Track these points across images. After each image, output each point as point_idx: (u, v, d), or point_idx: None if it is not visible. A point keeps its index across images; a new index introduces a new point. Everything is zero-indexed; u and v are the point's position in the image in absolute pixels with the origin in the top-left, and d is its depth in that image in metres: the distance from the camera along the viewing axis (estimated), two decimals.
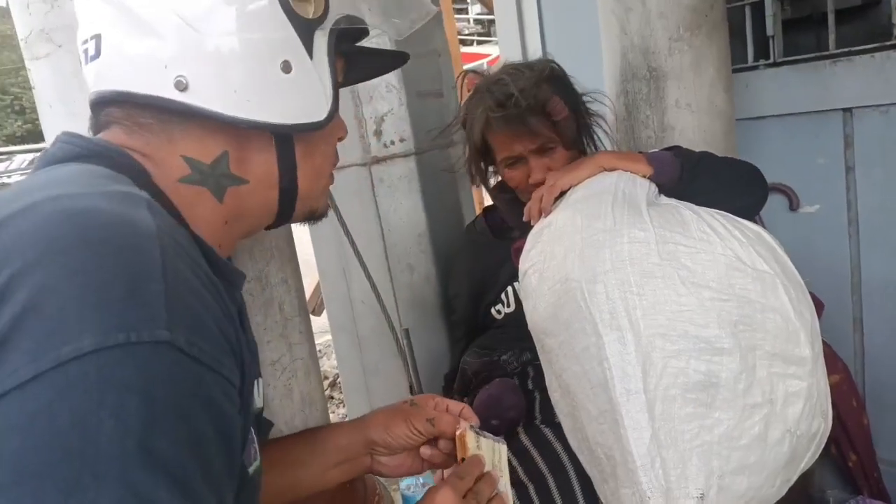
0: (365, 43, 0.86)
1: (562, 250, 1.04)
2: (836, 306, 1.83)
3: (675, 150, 1.26)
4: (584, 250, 1.00)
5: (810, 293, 1.69)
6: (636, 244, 0.99)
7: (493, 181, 1.53)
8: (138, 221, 0.54)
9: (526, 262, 1.12)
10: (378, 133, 1.59)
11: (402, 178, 1.62)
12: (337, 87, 0.72)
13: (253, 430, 0.71)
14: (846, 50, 1.76)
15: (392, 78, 1.56)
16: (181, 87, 0.64)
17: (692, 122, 1.58)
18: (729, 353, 0.94)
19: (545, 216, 1.15)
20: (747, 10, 1.93)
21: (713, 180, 1.18)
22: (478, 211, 1.76)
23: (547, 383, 1.10)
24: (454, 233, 1.70)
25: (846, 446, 1.77)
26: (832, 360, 1.71)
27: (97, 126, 0.70)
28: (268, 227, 0.79)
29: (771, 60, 1.90)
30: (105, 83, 0.67)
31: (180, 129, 0.66)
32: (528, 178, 1.32)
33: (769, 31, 1.89)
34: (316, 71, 0.70)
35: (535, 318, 1.08)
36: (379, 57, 0.90)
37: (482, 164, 1.41)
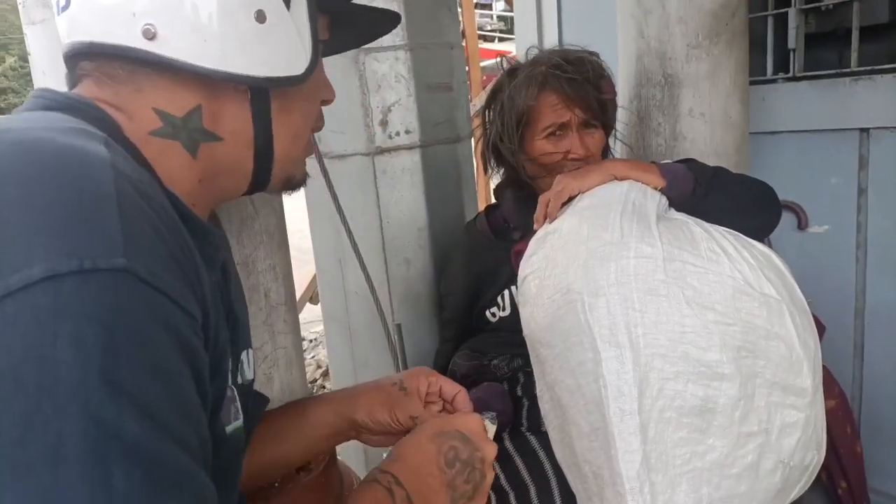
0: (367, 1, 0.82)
1: (565, 259, 1.01)
2: (837, 330, 1.80)
3: (689, 163, 1.23)
4: (589, 262, 0.98)
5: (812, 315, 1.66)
6: (642, 260, 0.95)
7: (495, 180, 1.51)
8: (91, 151, 0.52)
9: (526, 268, 1.09)
10: (384, 123, 1.56)
11: (406, 171, 1.59)
12: (318, 42, 0.68)
13: (235, 391, 0.69)
14: (868, 68, 1.72)
15: (402, 68, 1.53)
16: (149, 35, 0.61)
17: (705, 133, 1.55)
18: (729, 378, 0.91)
19: (550, 221, 1.12)
20: (770, 21, 1.89)
21: (726, 198, 1.14)
22: (482, 209, 1.73)
23: (538, 393, 1.08)
24: (454, 230, 1.67)
25: (837, 473, 1.74)
26: (829, 385, 1.68)
27: (72, 81, 0.68)
28: (246, 193, 0.75)
29: (790, 74, 1.87)
30: (75, 34, 0.64)
31: (150, 81, 0.64)
32: (566, 153, 1.29)
33: (791, 45, 1.85)
34: (294, 22, 0.66)
35: (532, 326, 1.05)
36: (368, 16, 0.84)
37: (512, 141, 1.33)
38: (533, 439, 1.26)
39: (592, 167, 1.16)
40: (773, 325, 0.96)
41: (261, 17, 0.64)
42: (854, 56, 1.75)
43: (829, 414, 1.53)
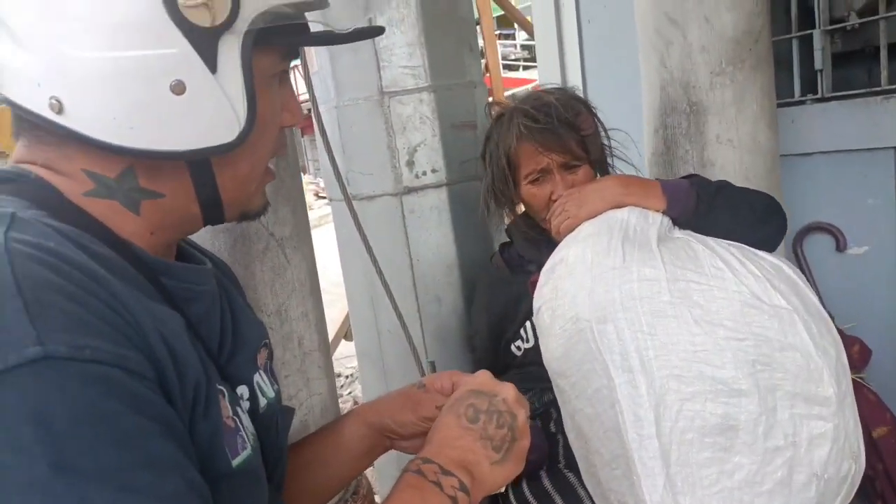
0: None
1: (572, 288, 1.02)
2: (885, 352, 1.74)
3: (693, 178, 1.25)
4: (594, 288, 0.99)
5: (856, 338, 1.61)
6: (646, 282, 0.96)
7: (507, 221, 1.52)
8: None
9: (539, 299, 1.10)
10: (410, 164, 1.58)
11: (433, 209, 1.60)
12: (254, 102, 0.62)
13: (239, 421, 0.67)
14: None
15: (426, 109, 1.56)
16: (55, 109, 0.57)
17: (733, 158, 1.53)
18: (747, 394, 0.90)
19: (558, 238, 1.15)
20: (794, 44, 1.87)
21: (730, 213, 1.15)
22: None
23: (564, 424, 1.08)
24: (483, 265, 1.67)
25: (893, 501, 1.67)
26: (880, 411, 1.62)
27: (15, 131, 0.65)
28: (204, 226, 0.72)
29: (819, 95, 1.84)
30: (2, 88, 0.61)
31: (76, 145, 0.60)
32: (550, 196, 1.31)
33: (818, 65, 1.83)
34: (220, 86, 0.59)
35: (549, 357, 1.06)
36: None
37: (506, 186, 1.37)
38: (570, 475, 1.24)
39: (594, 193, 1.18)
40: (786, 336, 0.94)
41: (178, 87, 0.58)
42: (884, 74, 1.73)
43: (882, 441, 1.47)
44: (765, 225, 1.18)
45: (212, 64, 0.59)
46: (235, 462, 0.64)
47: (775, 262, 1.05)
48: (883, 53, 1.72)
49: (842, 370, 0.99)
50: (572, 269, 1.05)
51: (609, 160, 1.43)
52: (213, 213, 0.68)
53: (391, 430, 0.89)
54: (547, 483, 1.26)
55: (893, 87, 1.70)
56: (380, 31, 0.73)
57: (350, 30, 0.66)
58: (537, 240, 1.39)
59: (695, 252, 1.02)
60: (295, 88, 0.75)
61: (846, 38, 1.84)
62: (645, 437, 0.89)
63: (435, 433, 0.73)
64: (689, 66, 1.51)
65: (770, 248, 1.14)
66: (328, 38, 0.68)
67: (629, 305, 0.95)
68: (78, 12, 0.56)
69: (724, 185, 1.22)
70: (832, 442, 0.93)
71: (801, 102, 1.87)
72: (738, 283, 0.97)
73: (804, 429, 0.92)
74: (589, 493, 1.14)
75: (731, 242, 1.07)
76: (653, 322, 0.93)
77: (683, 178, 1.26)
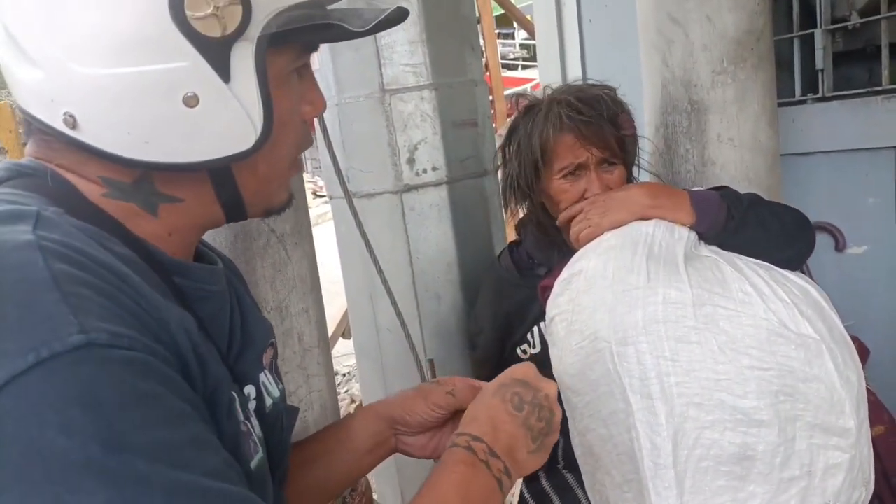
0: None
1: (591, 303, 0.99)
2: (883, 353, 1.74)
3: (724, 191, 1.19)
4: (616, 307, 0.95)
5: (854, 337, 1.61)
6: (671, 305, 0.93)
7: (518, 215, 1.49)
8: (12, 240, 0.51)
9: (553, 309, 1.07)
10: (411, 161, 1.58)
11: (433, 207, 1.60)
12: (269, 102, 0.60)
13: (251, 425, 0.68)
14: None
15: (427, 107, 1.56)
16: (70, 124, 0.57)
17: (734, 158, 1.53)
18: (767, 425, 0.88)
19: (577, 247, 1.11)
20: (796, 43, 1.87)
21: (761, 231, 1.10)
22: (511, 238, 1.73)
23: (571, 437, 1.05)
24: (484, 263, 1.67)
25: (890, 502, 1.67)
26: (878, 411, 1.62)
27: (27, 130, 0.65)
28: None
29: (820, 94, 1.84)
30: (15, 96, 0.61)
31: (90, 154, 0.60)
32: (582, 193, 1.24)
33: (819, 65, 1.83)
34: (235, 95, 0.59)
35: (561, 370, 1.03)
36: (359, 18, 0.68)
37: (533, 179, 1.30)
38: (570, 477, 1.24)
39: (618, 202, 1.13)
40: (811, 367, 0.92)
41: (191, 101, 0.57)
42: (885, 73, 1.73)
43: (879, 440, 1.47)
44: (795, 243, 1.14)
45: (225, 73, 0.58)
46: (252, 464, 0.65)
47: (802, 285, 1.02)
48: (884, 53, 1.72)
49: (862, 397, 0.97)
50: (591, 282, 1.01)
51: (634, 169, 1.38)
52: (235, 212, 0.68)
53: (400, 420, 0.88)
54: (545, 483, 1.26)
55: (894, 86, 1.70)
56: (401, 17, 0.66)
57: (369, 26, 0.63)
58: (550, 241, 1.34)
59: (723, 274, 0.98)
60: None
61: (847, 37, 1.84)
62: (661, 467, 0.87)
63: (481, 411, 0.75)
64: (691, 64, 1.51)
65: (796, 266, 1.11)
66: (347, 34, 0.65)
67: (652, 329, 0.91)
68: (84, 30, 0.55)
69: (755, 201, 1.17)
70: (847, 472, 0.92)
71: (802, 102, 1.87)
72: (767, 311, 0.93)
73: (821, 458, 0.91)
74: (586, 496, 1.14)
75: (759, 263, 1.03)
76: (676, 348, 0.90)
77: (712, 189, 1.21)
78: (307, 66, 0.69)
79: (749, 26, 1.48)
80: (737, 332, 0.91)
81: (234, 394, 0.65)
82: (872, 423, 1.48)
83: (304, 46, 0.66)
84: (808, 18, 1.87)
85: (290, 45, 0.63)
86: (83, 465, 0.44)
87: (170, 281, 0.63)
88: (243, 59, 0.58)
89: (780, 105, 1.58)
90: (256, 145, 0.61)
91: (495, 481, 0.68)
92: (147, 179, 0.62)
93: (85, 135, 0.58)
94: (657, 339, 0.91)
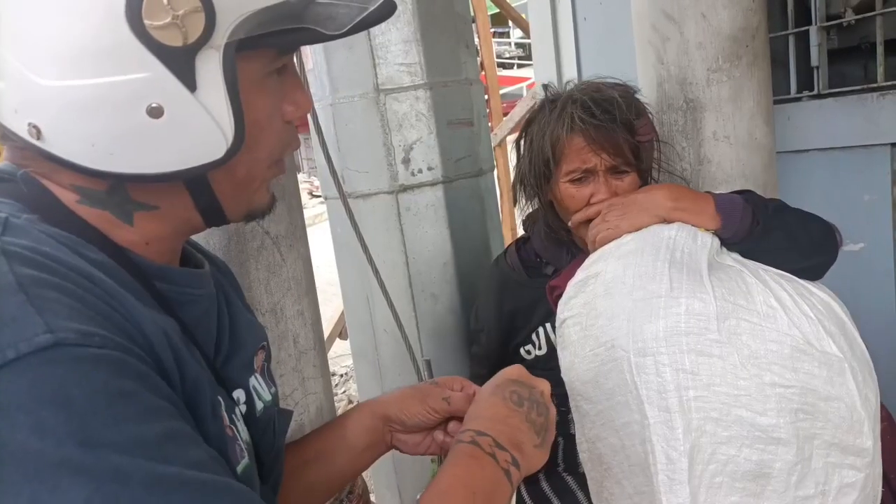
0: None
1: (609, 309, 0.95)
2: (879, 349, 1.73)
3: (748, 195, 1.13)
4: (635, 316, 0.91)
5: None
6: (694, 317, 0.89)
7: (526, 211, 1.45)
8: None
9: (565, 311, 1.03)
10: (406, 161, 1.57)
11: (429, 207, 1.60)
12: (240, 110, 0.58)
13: (236, 430, 0.67)
14: (895, 83, 1.69)
15: (422, 107, 1.55)
16: (34, 135, 0.56)
17: (730, 155, 1.53)
18: (785, 443, 0.86)
19: (593, 250, 1.07)
20: (791, 40, 1.87)
21: (786, 239, 1.06)
22: (507, 241, 1.72)
23: (577, 443, 1.03)
24: (480, 263, 1.67)
25: (888, 499, 1.67)
26: None
27: (2, 135, 0.63)
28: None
29: (815, 92, 1.84)
30: None
31: (60, 164, 0.58)
32: (588, 199, 1.19)
33: (814, 62, 1.83)
34: (202, 104, 0.56)
35: (572, 376, 1.00)
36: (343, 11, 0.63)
37: (542, 178, 1.26)
38: (570, 480, 1.23)
39: (639, 204, 1.08)
40: (833, 386, 0.90)
41: (156, 112, 0.55)
42: (880, 70, 1.72)
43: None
44: (820, 252, 1.09)
45: (190, 83, 0.55)
46: (238, 469, 0.64)
47: (825, 300, 0.99)
48: (879, 50, 1.72)
49: (878, 415, 0.95)
50: (609, 287, 0.97)
51: (655, 173, 1.33)
52: (214, 217, 0.67)
53: (396, 419, 0.88)
54: (545, 486, 1.25)
55: (889, 83, 1.70)
56: (382, 16, 0.62)
57: (345, 29, 0.60)
58: (559, 241, 1.31)
59: (747, 286, 0.94)
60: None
61: (842, 34, 1.84)
62: (676, 482, 0.85)
63: (482, 409, 0.76)
64: (686, 62, 1.50)
65: (818, 276, 1.07)
66: (322, 36, 0.64)
67: (673, 341, 0.88)
68: (39, 41, 0.54)
69: (781, 207, 1.13)
70: (860, 491, 0.90)
71: (798, 99, 1.86)
72: (791, 326, 0.90)
73: (835, 477, 0.89)
74: (587, 497, 1.13)
75: (783, 274, 1.00)
76: (696, 361, 0.87)
77: (735, 192, 1.16)
78: (288, 66, 0.67)
79: (744, 23, 1.48)
80: (760, 348, 0.88)
81: (219, 398, 0.64)
82: None
83: (280, 49, 0.63)
84: (803, 15, 1.86)
85: (262, 49, 0.60)
86: (59, 463, 0.44)
87: (151, 286, 0.62)
88: (210, 67, 0.56)
89: (775, 103, 1.57)
90: (227, 155, 0.59)
91: (502, 472, 0.69)
92: (120, 188, 0.61)
93: (50, 145, 0.57)
94: (678, 352, 0.88)
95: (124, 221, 0.62)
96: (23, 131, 0.57)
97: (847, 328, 0.98)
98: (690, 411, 0.86)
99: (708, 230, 1.03)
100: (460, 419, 0.82)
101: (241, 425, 0.69)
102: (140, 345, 0.53)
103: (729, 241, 1.05)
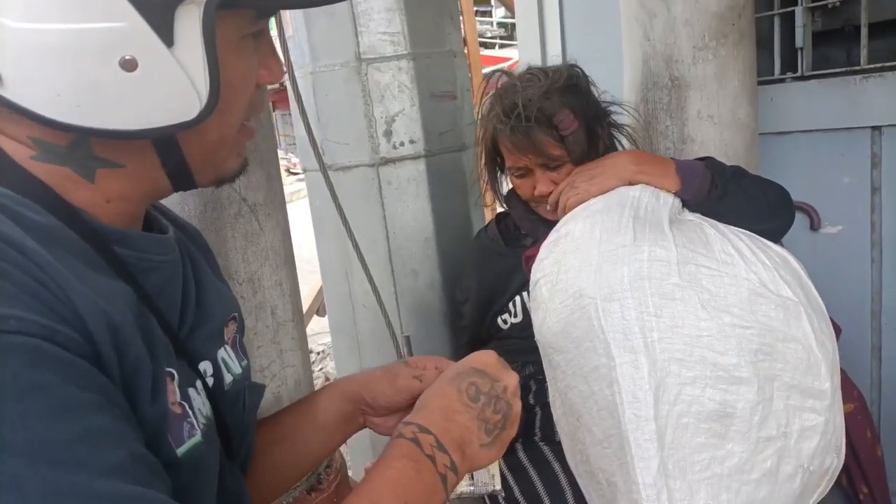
0: None
1: (577, 263, 1.00)
2: (853, 332, 1.77)
3: (708, 161, 1.22)
4: (602, 265, 0.96)
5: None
6: (656, 263, 0.94)
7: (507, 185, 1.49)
8: None
9: (538, 272, 1.08)
10: (388, 133, 1.54)
11: (411, 181, 1.57)
12: (216, 70, 0.56)
13: (190, 405, 0.63)
14: (878, 66, 1.70)
15: (405, 78, 1.52)
16: None
17: (714, 135, 1.53)
18: (747, 382, 0.90)
19: (562, 215, 1.12)
20: (776, 21, 1.86)
21: (743, 200, 1.13)
22: (488, 217, 1.71)
23: (550, 400, 1.06)
24: (461, 239, 1.65)
25: (858, 478, 1.70)
26: (848, 388, 1.65)
27: None
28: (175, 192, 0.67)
29: (799, 73, 1.84)
30: None
31: (20, 113, 0.55)
32: (534, 188, 1.29)
33: (798, 43, 1.82)
34: (178, 61, 0.54)
35: (544, 331, 1.04)
36: None
37: (495, 167, 1.38)
38: (546, 450, 1.24)
39: (605, 169, 1.15)
40: (790, 328, 0.94)
41: (129, 65, 0.53)
42: (863, 53, 1.73)
43: (849, 417, 1.49)
44: (775, 216, 1.17)
45: (167, 37, 0.53)
46: (181, 451, 0.60)
47: (782, 253, 1.05)
48: (863, 32, 1.72)
49: (835, 365, 0.99)
50: (578, 244, 1.02)
51: (614, 138, 1.39)
52: (182, 181, 0.64)
53: (365, 401, 0.86)
54: (522, 455, 1.25)
55: (872, 66, 1.71)
56: None
57: None
58: (537, 215, 1.37)
59: (706, 236, 1.01)
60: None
61: (826, 16, 1.84)
62: (642, 419, 0.88)
63: (434, 399, 0.72)
64: (672, 39, 1.49)
65: (775, 238, 1.13)
66: (303, 1, 0.61)
67: (637, 285, 0.93)
68: None
69: (739, 172, 1.20)
70: (821, 435, 0.94)
71: (781, 81, 1.86)
72: (748, 271, 0.96)
73: (797, 420, 0.93)
74: (563, 468, 1.14)
75: (742, 230, 1.06)
76: (660, 304, 0.92)
77: (698, 160, 1.23)
78: (263, 31, 0.65)
79: (731, 2, 1.46)
80: (719, 291, 0.93)
81: (173, 371, 0.61)
82: (843, 400, 1.51)
83: (259, 12, 0.62)
84: None
85: (242, 9, 0.59)
86: None
87: (108, 251, 0.59)
88: (190, 23, 0.54)
89: (759, 83, 1.57)
90: (200, 116, 0.57)
91: (439, 477, 0.65)
92: (84, 143, 0.58)
93: (10, 93, 0.54)
94: (642, 296, 0.92)
95: (85, 178, 0.59)
96: None
97: (802, 279, 1.03)
98: (655, 352, 0.90)
99: (670, 191, 1.11)
100: None
101: (201, 399, 0.66)
102: (71, 324, 0.49)
103: (690, 203, 1.12)
